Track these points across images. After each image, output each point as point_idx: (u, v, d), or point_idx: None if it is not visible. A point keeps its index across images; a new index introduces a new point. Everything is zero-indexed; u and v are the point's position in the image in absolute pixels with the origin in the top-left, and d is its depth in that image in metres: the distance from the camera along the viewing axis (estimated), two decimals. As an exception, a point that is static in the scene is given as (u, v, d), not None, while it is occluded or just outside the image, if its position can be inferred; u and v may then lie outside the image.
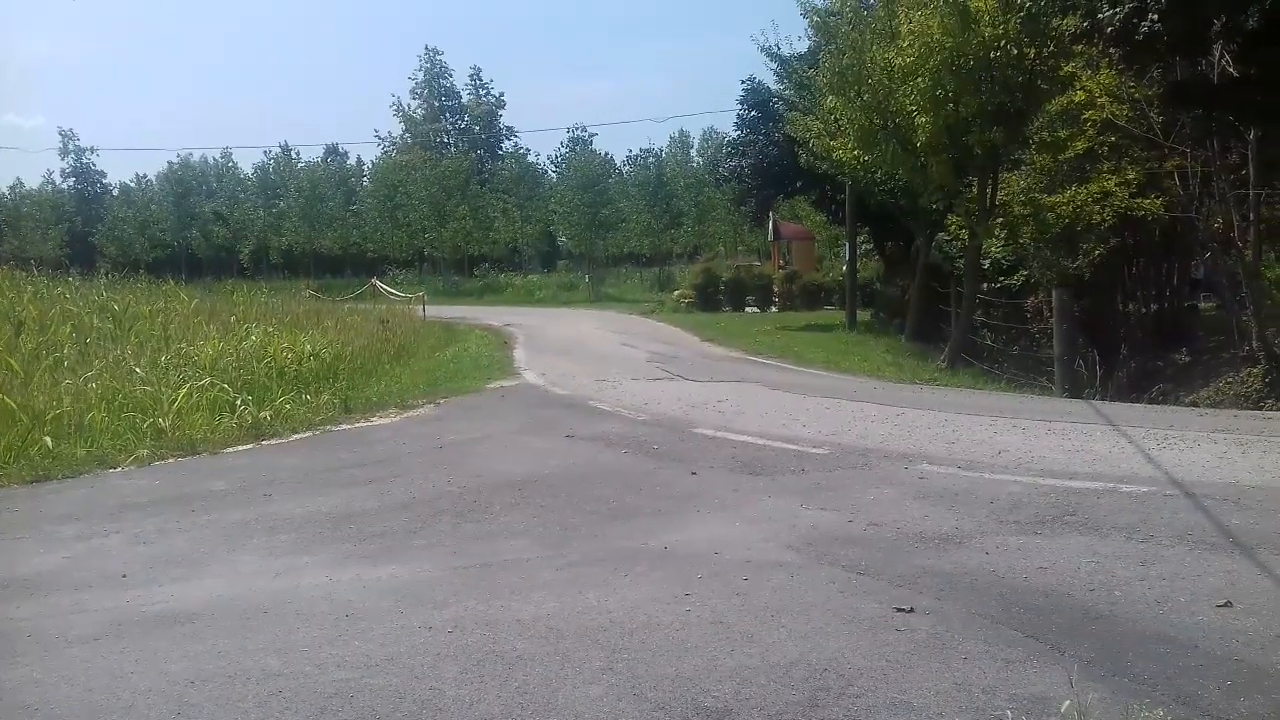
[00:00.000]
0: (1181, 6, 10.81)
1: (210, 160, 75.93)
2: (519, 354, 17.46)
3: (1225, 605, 4.30)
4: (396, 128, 70.88)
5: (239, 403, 10.31)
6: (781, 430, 9.02)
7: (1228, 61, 12.57)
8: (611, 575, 5.02)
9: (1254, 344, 14.90)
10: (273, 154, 71.78)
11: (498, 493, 6.87)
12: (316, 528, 6.12)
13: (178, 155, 75.30)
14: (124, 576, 5.27)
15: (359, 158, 77.38)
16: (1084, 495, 6.29)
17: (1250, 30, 11.03)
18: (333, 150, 75.44)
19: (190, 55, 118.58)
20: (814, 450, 8.05)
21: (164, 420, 9.40)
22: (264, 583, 5.10)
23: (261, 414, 10.04)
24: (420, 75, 70.15)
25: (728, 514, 6.20)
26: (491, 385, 12.92)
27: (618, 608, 4.51)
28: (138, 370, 11.06)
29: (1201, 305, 20.34)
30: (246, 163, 75.58)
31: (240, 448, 9.05)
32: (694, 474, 7.34)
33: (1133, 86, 15.69)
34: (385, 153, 69.24)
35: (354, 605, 4.67)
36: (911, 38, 15.64)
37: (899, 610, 4.35)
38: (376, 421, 10.34)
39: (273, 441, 9.34)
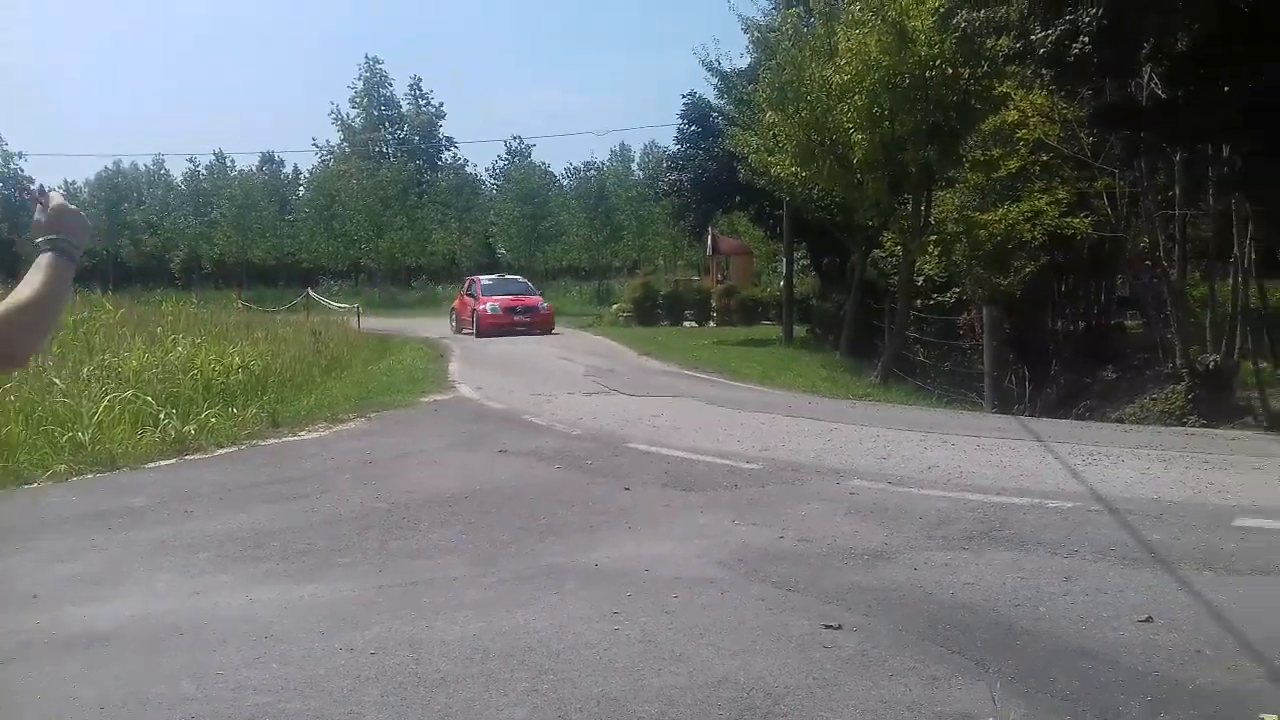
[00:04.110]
0: (1112, 30, 11.03)
1: (141, 167, 74.44)
2: (454, 367, 17.29)
3: (1147, 620, 4.35)
4: (335, 136, 69.97)
5: (162, 416, 10.04)
6: (715, 445, 9.02)
7: (1156, 84, 12.85)
8: (540, 593, 4.95)
9: (1177, 361, 15.24)
10: (204, 162, 70.64)
11: (427, 509, 6.76)
12: (238, 545, 5.96)
13: (112, 162, 73.77)
14: (35, 597, 5.08)
15: (295, 166, 76.31)
16: (1011, 510, 6.35)
17: (1178, 54, 11.29)
18: (269, 158, 74.36)
19: (123, 60, 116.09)
20: (747, 465, 8.05)
21: (84, 434, 9.11)
22: (181, 603, 4.95)
23: (186, 428, 9.80)
24: (360, 84, 69.32)
25: (660, 530, 6.16)
26: (425, 399, 12.76)
27: (545, 627, 4.44)
28: (58, 382, 10.71)
29: (1128, 323, 20.80)
30: (179, 170, 73.65)
31: (162, 463, 8.82)
32: (627, 490, 7.29)
33: (1064, 107, 16.01)
34: (323, 161, 68.38)
35: (274, 626, 4.55)
36: (849, 55, 15.85)
37: (827, 627, 4.34)
38: (305, 436, 10.15)
39: (196, 456, 9.12)
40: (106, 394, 10.27)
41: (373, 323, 27.75)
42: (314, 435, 10.19)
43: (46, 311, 1.89)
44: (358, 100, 68.85)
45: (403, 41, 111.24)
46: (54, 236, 1.94)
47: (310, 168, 70.25)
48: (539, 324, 26.55)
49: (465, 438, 9.84)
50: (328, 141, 69.50)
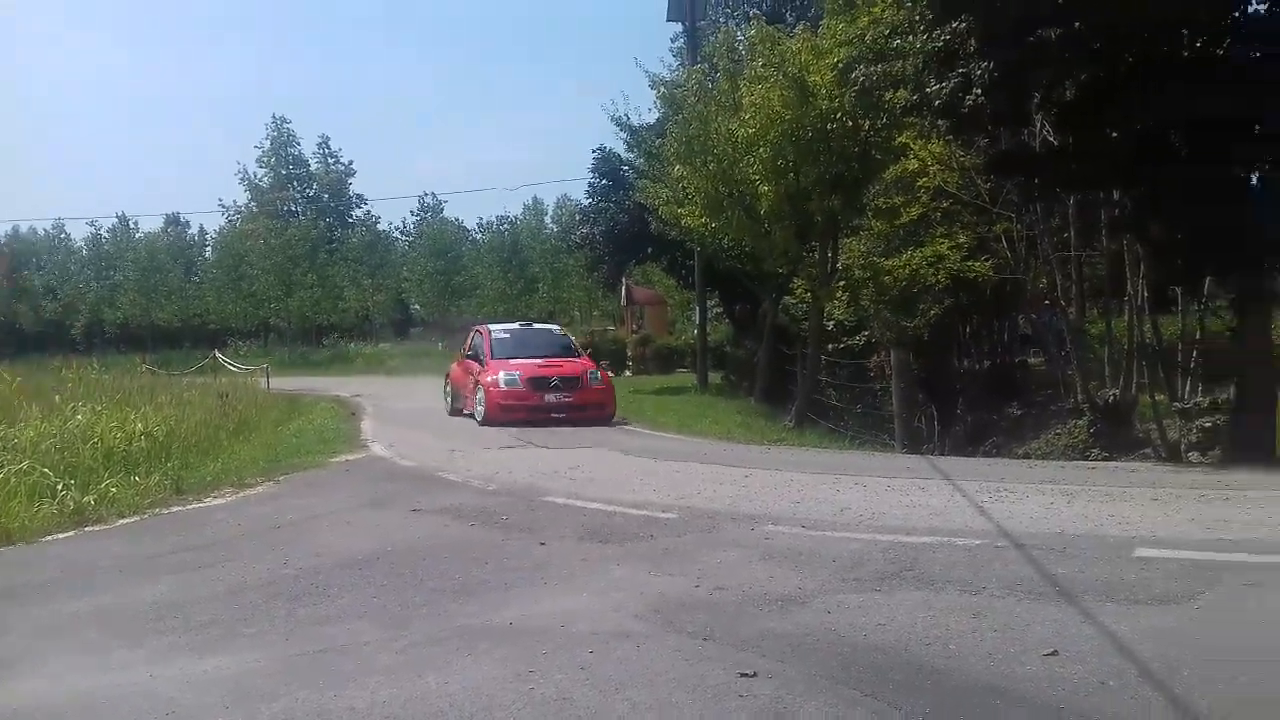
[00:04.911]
0: (1003, 82, 11.43)
1: (41, 232, 72.49)
2: (366, 425, 17.02)
3: (1052, 654, 4.44)
4: (242, 196, 68.83)
5: (60, 487, 9.67)
6: (632, 496, 9.01)
7: (1048, 131, 13.35)
8: (453, 655, 4.86)
9: (1079, 397, 15.74)
10: (106, 225, 69.05)
11: (337, 573, 6.61)
12: (139, 619, 5.74)
13: (10, 228, 71.82)
14: (-77, 682, 4.82)
15: (201, 227, 75.15)
16: (921, 550, 6.46)
17: (1066, 102, 11.76)
18: (173, 220, 73.03)
19: (20, 122, 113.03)
20: (663, 515, 8.05)
21: (-25, 509, 8.73)
22: (78, 681, 4.73)
23: (85, 499, 9.43)
24: (267, 144, 68.49)
25: (576, 584, 6.11)
26: (336, 459, 12.52)
27: (458, 690, 4.36)
28: (-52, 457, 10.28)
29: (1031, 361, 21.40)
30: (80, 234, 71.91)
31: (60, 535, 8.47)
32: (542, 544, 7.23)
33: (962, 155, 16.56)
34: (230, 222, 67.23)
35: (176, 703, 4.38)
36: (753, 110, 16.20)
37: (743, 675, 4.34)
38: (210, 502, 9.86)
39: (97, 528, 8.78)
40: (0, 467, 9.88)
41: (283, 383, 27.23)
42: (220, 501, 9.90)
43: None
44: (265, 159, 68.01)
45: (310, 100, 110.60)
46: None
47: (217, 228, 69.15)
48: (591, 405, 16.72)
49: (377, 498, 9.66)
50: (234, 201, 68.46)
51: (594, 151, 28.48)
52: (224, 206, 68.51)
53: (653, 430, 15.87)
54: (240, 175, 67.12)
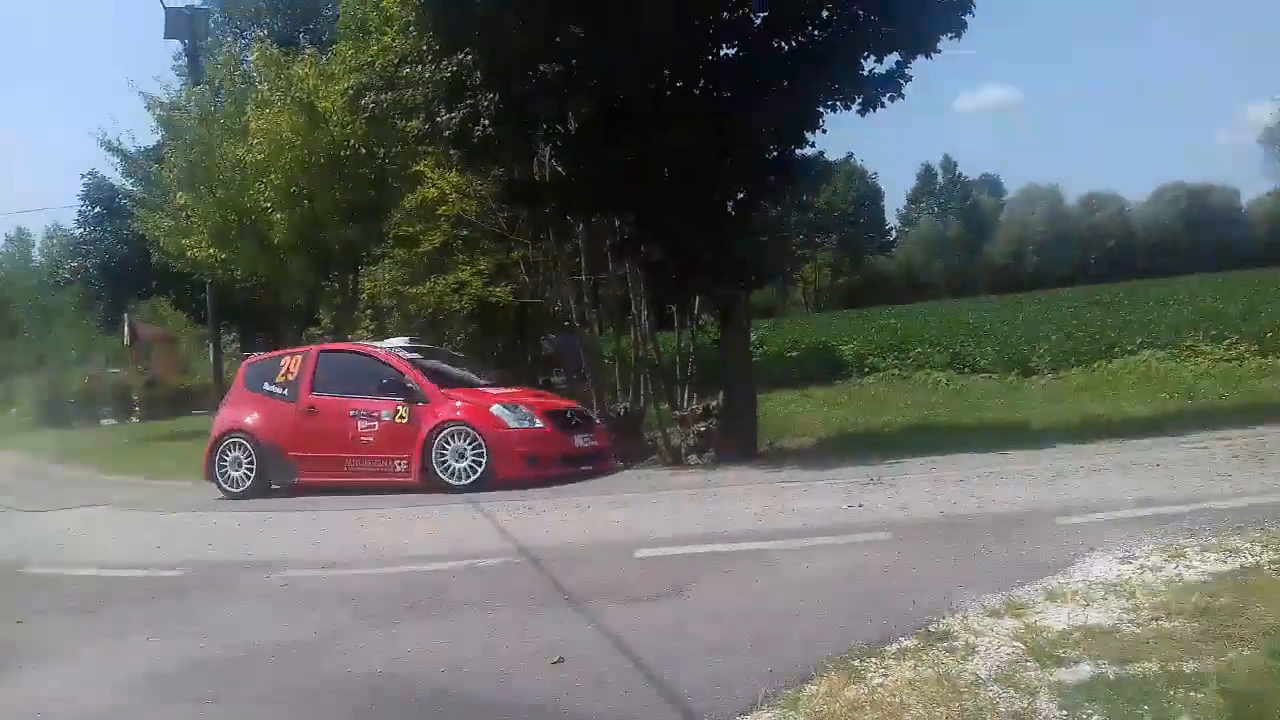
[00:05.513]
0: (509, 114, 11.85)
1: None
2: None
3: (559, 661, 4.61)
4: None
5: None
6: (132, 556, 8.15)
7: (554, 162, 14.06)
8: (-112, 773, 4.07)
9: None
10: None
11: None
12: None
13: None
14: None
15: None
16: (442, 576, 6.48)
17: (568, 134, 12.47)
18: None
19: None
20: (167, 573, 7.35)
21: None
22: None
23: None
24: None
25: (60, 663, 5.38)
26: None
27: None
28: None
29: (554, 380, 22.49)
30: None
31: None
32: (19, 623, 6.29)
33: (479, 184, 17.00)
34: None
35: None
36: (262, 135, 15.57)
37: (247, 736, 4.05)
38: None
39: None
40: None
41: None
42: None
43: None
44: None
45: None
46: None
47: None
48: (608, 452, 12.42)
49: None
50: None
51: (83, 177, 25.85)
52: None
53: (160, 480, 14.49)
54: None
